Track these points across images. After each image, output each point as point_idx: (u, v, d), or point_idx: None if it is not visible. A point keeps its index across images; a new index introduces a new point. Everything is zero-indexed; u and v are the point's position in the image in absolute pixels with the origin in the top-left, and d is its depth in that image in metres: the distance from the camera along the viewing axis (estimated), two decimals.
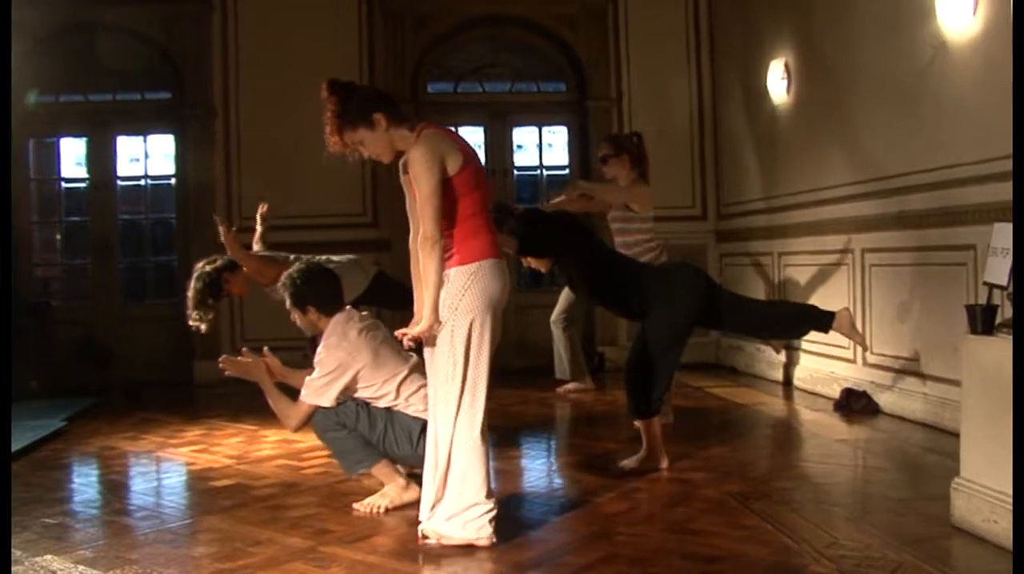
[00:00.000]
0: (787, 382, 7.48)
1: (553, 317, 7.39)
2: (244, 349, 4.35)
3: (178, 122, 8.75)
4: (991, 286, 3.59)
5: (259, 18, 8.66)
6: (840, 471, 4.83)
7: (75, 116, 8.78)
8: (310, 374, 4.22)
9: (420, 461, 3.67)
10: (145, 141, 9.00)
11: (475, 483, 3.49)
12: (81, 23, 8.48)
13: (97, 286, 8.85)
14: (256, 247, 6.23)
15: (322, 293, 4.31)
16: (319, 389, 4.14)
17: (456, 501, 3.50)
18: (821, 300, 6.79)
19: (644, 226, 5.91)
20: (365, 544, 3.65)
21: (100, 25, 8.48)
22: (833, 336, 5.13)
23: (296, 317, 4.38)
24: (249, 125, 8.64)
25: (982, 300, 3.68)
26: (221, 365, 4.28)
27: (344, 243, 7.34)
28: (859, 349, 6.33)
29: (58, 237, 9.11)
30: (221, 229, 5.71)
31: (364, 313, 4.45)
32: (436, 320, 3.45)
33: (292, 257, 5.72)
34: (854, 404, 6.23)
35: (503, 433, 5.59)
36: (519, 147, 9.41)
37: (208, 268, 5.77)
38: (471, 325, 3.46)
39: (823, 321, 4.89)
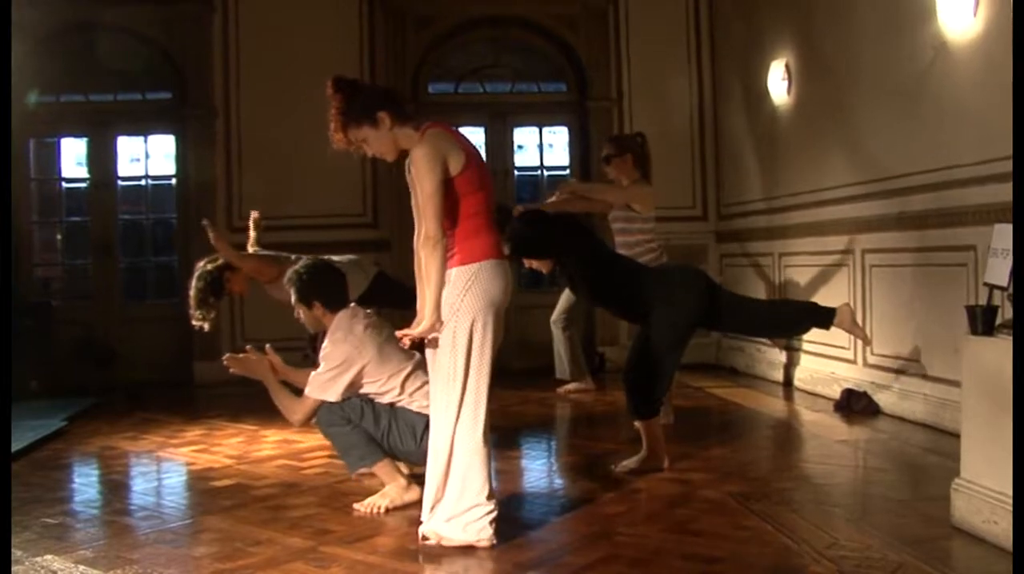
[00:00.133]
0: (787, 383, 7.48)
1: (553, 317, 7.39)
2: (248, 347, 4.35)
3: (179, 122, 8.75)
4: (991, 287, 3.59)
5: (260, 18, 8.66)
6: (840, 472, 4.83)
7: (76, 116, 8.79)
8: (314, 370, 4.22)
9: (424, 458, 3.66)
10: (146, 141, 9.00)
11: (476, 484, 3.48)
12: (82, 23, 8.48)
13: (98, 286, 8.85)
14: (251, 251, 6.23)
15: (328, 289, 4.33)
16: (325, 383, 4.15)
17: (456, 502, 3.50)
18: (821, 301, 6.75)
19: (645, 226, 5.91)
20: (365, 544, 3.65)
21: (101, 25, 8.48)
22: (834, 336, 5.13)
23: (301, 313, 4.39)
24: (250, 125, 8.64)
25: (982, 301, 3.68)
26: (225, 363, 4.28)
27: (344, 243, 7.35)
28: (860, 350, 6.33)
29: (59, 237, 9.11)
30: (211, 234, 5.73)
31: (368, 311, 4.46)
32: (437, 320, 3.45)
33: (294, 257, 5.73)
34: (854, 405, 6.23)
35: (503, 433, 5.59)
36: (520, 147, 9.41)
37: (209, 267, 5.79)
38: (472, 326, 3.45)
39: (824, 318, 4.89)
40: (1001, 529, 3.30)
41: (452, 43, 9.14)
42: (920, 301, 5.77)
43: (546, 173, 9.35)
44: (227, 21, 8.67)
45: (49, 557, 3.52)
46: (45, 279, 9.08)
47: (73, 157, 9.04)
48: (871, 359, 6.29)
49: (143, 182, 9.04)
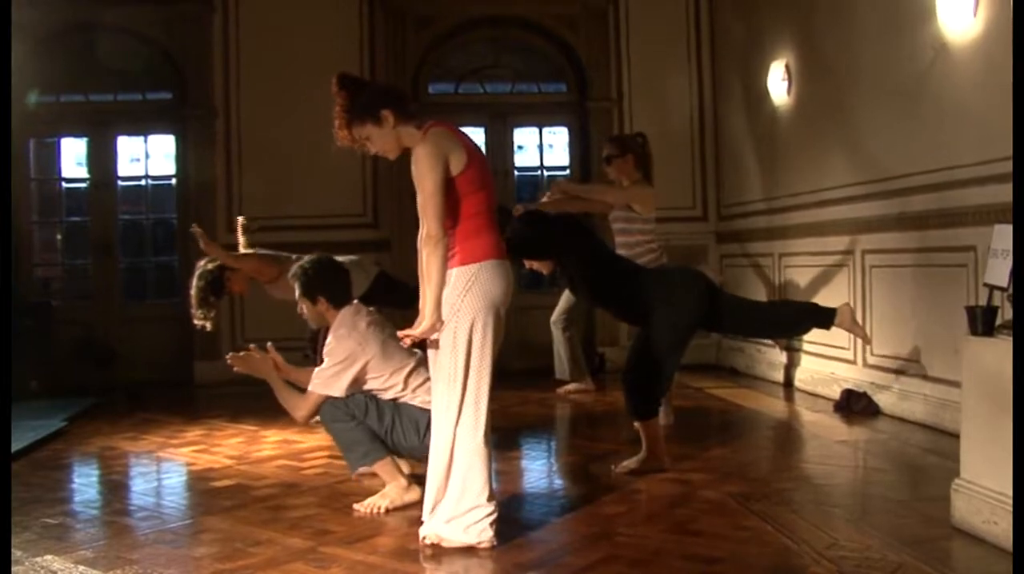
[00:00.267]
0: (788, 383, 7.48)
1: (553, 318, 7.40)
2: (252, 346, 4.35)
3: (179, 122, 8.75)
4: (991, 287, 3.59)
5: (260, 18, 8.66)
6: (840, 472, 4.83)
7: (76, 116, 8.79)
8: (319, 365, 4.24)
9: (427, 453, 3.66)
10: (146, 141, 9.01)
11: (476, 486, 3.48)
12: (82, 23, 8.48)
13: (98, 286, 8.85)
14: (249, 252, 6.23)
15: (333, 285, 4.36)
16: (329, 378, 4.16)
17: (457, 503, 3.50)
18: (822, 301, 6.75)
19: (646, 227, 5.90)
20: (365, 544, 3.65)
21: (101, 25, 8.48)
22: (834, 336, 5.14)
23: (304, 308, 4.40)
24: (250, 125, 8.64)
25: (982, 301, 3.69)
26: (230, 363, 4.28)
27: (344, 243, 7.35)
28: (860, 350, 6.33)
29: (59, 237, 9.12)
30: (201, 242, 5.73)
31: (370, 309, 4.47)
32: (438, 319, 3.45)
33: (294, 257, 5.73)
34: (854, 405, 6.23)
35: (503, 434, 5.58)
36: (520, 148, 9.41)
37: (210, 266, 5.80)
38: (472, 327, 3.45)
39: (824, 318, 4.88)
40: (1001, 529, 3.30)
41: (452, 43, 9.14)
42: (920, 302, 5.77)
43: (546, 173, 9.35)
44: (227, 21, 8.67)
45: (49, 557, 3.52)
46: (45, 279, 9.09)
47: (73, 157, 9.05)
48: (871, 359, 6.29)
49: (143, 182, 9.04)
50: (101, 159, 8.87)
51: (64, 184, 9.01)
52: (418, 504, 3.89)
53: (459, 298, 3.45)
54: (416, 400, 4.18)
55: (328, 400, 4.16)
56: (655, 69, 9.05)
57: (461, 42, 9.17)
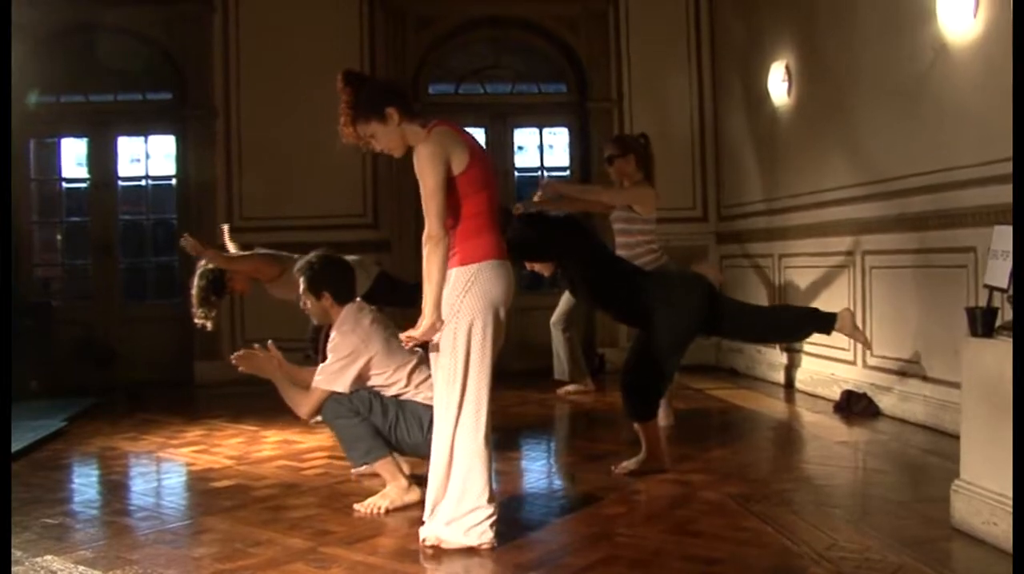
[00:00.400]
0: (788, 384, 7.48)
1: (553, 319, 7.40)
2: (255, 346, 4.35)
3: (179, 122, 8.76)
4: (991, 289, 3.59)
5: (260, 18, 8.66)
6: (840, 473, 4.83)
7: (76, 116, 8.79)
8: (321, 362, 4.25)
9: (430, 450, 3.67)
10: (146, 141, 9.01)
11: (476, 487, 3.47)
12: (82, 23, 8.48)
13: (98, 286, 8.85)
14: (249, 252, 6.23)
15: (339, 281, 4.39)
16: (334, 374, 4.17)
17: (457, 505, 3.49)
18: (822, 302, 6.80)
19: (646, 227, 5.89)
20: (366, 545, 3.65)
21: (101, 25, 8.48)
22: (834, 337, 5.13)
23: (308, 303, 4.41)
24: (250, 125, 8.65)
25: (982, 302, 3.68)
26: (234, 362, 4.28)
27: (344, 244, 7.33)
28: (860, 351, 6.34)
29: (59, 237, 9.12)
30: (193, 253, 5.72)
31: (372, 307, 4.49)
32: (438, 318, 3.45)
33: (296, 256, 5.74)
34: (854, 406, 6.23)
35: (503, 434, 5.58)
36: (520, 148, 9.41)
37: (211, 265, 5.80)
38: (471, 327, 3.44)
39: (825, 323, 4.88)
40: (1001, 530, 3.30)
41: (452, 44, 9.14)
42: (920, 303, 5.77)
43: (546, 174, 9.35)
44: (227, 21, 8.67)
45: (49, 557, 3.52)
46: (45, 279, 9.10)
47: (73, 157, 9.05)
48: (871, 361, 6.29)
49: (143, 182, 9.05)
50: (101, 159, 8.87)
51: (64, 184, 9.02)
52: (418, 505, 3.89)
53: (458, 298, 3.45)
54: (419, 396, 4.20)
55: (332, 396, 4.17)
56: (655, 70, 9.05)
57: (461, 42, 9.18)
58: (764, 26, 7.97)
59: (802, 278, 7.33)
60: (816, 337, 5.20)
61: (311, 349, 6.39)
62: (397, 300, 5.86)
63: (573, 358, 7.46)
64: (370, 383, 4.23)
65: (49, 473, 5.10)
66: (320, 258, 4.44)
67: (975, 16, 5.12)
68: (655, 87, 9.04)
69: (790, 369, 7.50)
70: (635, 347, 4.78)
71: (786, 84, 7.53)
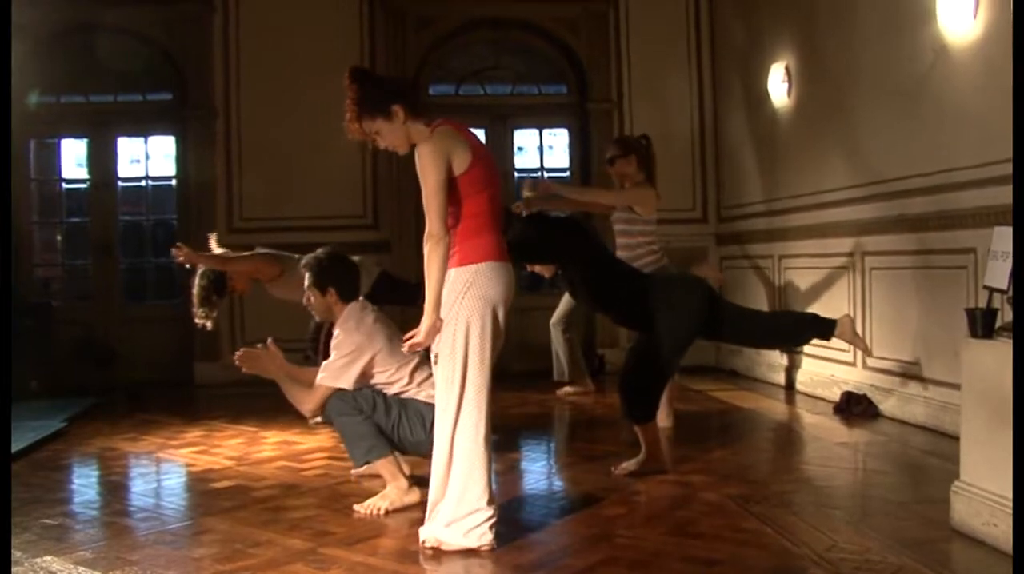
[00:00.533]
0: (788, 385, 7.48)
1: (553, 320, 7.40)
2: (259, 346, 4.35)
3: (179, 123, 8.76)
4: (991, 290, 3.59)
5: (260, 18, 8.66)
6: (840, 474, 4.84)
7: (76, 117, 8.80)
8: (325, 359, 4.26)
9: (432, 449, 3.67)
10: (146, 142, 9.01)
11: (476, 489, 3.47)
12: (82, 24, 8.48)
13: (98, 287, 8.85)
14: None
15: (345, 278, 4.43)
16: (338, 371, 4.18)
17: (456, 507, 3.49)
18: (822, 303, 6.81)
19: (647, 228, 5.89)
20: (365, 546, 3.65)
21: (101, 26, 8.48)
22: (834, 339, 5.13)
23: (312, 298, 4.43)
24: (250, 125, 8.65)
25: (982, 304, 3.68)
26: (237, 362, 4.28)
27: (345, 245, 7.29)
28: (860, 353, 6.33)
29: (59, 238, 9.12)
30: (188, 264, 5.70)
31: (375, 307, 4.50)
32: (437, 318, 3.45)
33: (297, 256, 5.74)
34: (854, 407, 6.23)
35: (503, 435, 5.58)
36: (520, 149, 9.41)
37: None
38: (469, 329, 3.44)
39: (825, 328, 4.88)
40: (1001, 532, 3.30)
41: (453, 44, 9.14)
42: (920, 304, 5.77)
43: (546, 175, 9.35)
44: (227, 22, 8.67)
45: (49, 558, 3.52)
46: (45, 279, 9.10)
47: (73, 158, 9.05)
48: (871, 362, 6.29)
49: (143, 183, 9.06)
50: (101, 160, 8.87)
51: (64, 185, 9.02)
52: (418, 506, 3.89)
53: (457, 299, 3.44)
54: (421, 395, 4.22)
55: (336, 394, 4.18)
56: (655, 71, 9.05)
57: (462, 43, 9.18)
58: (764, 27, 7.97)
59: (802, 279, 7.33)
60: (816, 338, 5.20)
61: (311, 349, 6.39)
62: (398, 299, 5.87)
63: (573, 359, 7.46)
64: (373, 381, 4.25)
65: (49, 473, 5.10)
66: (328, 254, 4.48)
67: (975, 17, 5.12)
68: (655, 88, 9.04)
69: (790, 370, 7.50)
70: (634, 348, 4.78)
71: (786, 85, 7.53)
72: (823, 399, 6.79)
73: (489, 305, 3.47)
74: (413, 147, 3.56)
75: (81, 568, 3.41)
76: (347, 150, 8.45)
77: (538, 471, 5.31)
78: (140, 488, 4.90)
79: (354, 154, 8.61)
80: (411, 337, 3.48)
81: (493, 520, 3.51)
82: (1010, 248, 3.44)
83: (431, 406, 3.99)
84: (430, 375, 4.09)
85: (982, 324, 3.55)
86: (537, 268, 5.10)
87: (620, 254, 5.64)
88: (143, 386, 8.10)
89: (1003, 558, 3.25)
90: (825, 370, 6.90)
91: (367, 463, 4.20)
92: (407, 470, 4.30)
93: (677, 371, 5.34)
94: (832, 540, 3.55)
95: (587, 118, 9.08)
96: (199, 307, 5.71)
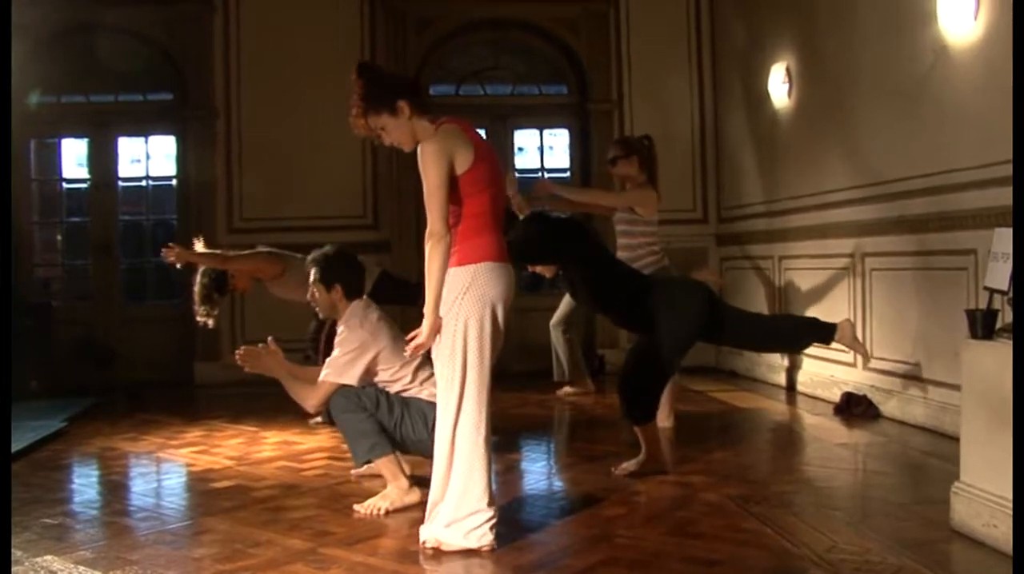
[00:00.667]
0: (788, 386, 7.48)
1: (553, 320, 7.40)
2: (260, 345, 4.35)
3: (179, 123, 8.76)
4: (992, 291, 3.59)
5: (260, 19, 8.66)
6: (840, 475, 4.84)
7: (76, 117, 8.80)
8: (329, 357, 4.28)
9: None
10: (146, 142, 9.01)
11: (476, 490, 3.47)
12: (83, 24, 8.48)
13: (98, 287, 8.85)
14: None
15: (351, 275, 4.47)
16: (342, 367, 4.19)
17: (456, 508, 3.49)
18: (822, 304, 6.82)
19: (648, 229, 5.89)
20: (365, 546, 3.65)
21: (101, 26, 8.48)
22: (833, 343, 5.13)
23: (317, 294, 4.44)
24: (250, 126, 8.65)
25: (983, 305, 3.68)
26: (240, 362, 4.28)
27: (345, 245, 7.30)
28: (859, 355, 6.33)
29: (59, 237, 9.12)
30: (179, 265, 5.69)
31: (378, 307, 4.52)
32: (439, 316, 3.45)
33: (299, 255, 5.75)
34: (854, 408, 6.23)
35: (503, 435, 5.58)
36: (520, 150, 9.42)
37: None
38: (468, 329, 3.44)
39: (825, 333, 4.87)
40: (1001, 533, 3.30)
41: (453, 45, 9.14)
42: (920, 305, 5.77)
43: (546, 175, 9.35)
44: (228, 22, 8.67)
45: (49, 558, 3.52)
46: (45, 279, 9.10)
47: (74, 158, 9.05)
48: (871, 363, 6.28)
49: (144, 183, 9.06)
50: (102, 160, 8.87)
51: (65, 184, 9.02)
52: (419, 506, 3.89)
53: (456, 300, 3.44)
54: (424, 393, 4.23)
55: (340, 390, 4.19)
56: (656, 71, 9.05)
57: (462, 44, 9.18)
58: (764, 27, 7.97)
59: (802, 280, 7.34)
60: None
61: (311, 349, 6.40)
62: (399, 299, 5.87)
63: (573, 360, 7.46)
64: (376, 379, 4.27)
65: (49, 473, 5.10)
66: (336, 251, 4.52)
67: (976, 18, 5.12)
68: (655, 88, 9.04)
69: (790, 371, 7.50)
70: (634, 349, 4.78)
71: (786, 85, 7.53)
72: (823, 400, 6.79)
73: (488, 305, 3.46)
74: (417, 144, 3.57)
75: (81, 567, 3.42)
76: (347, 150, 8.48)
77: (538, 471, 5.32)
78: (140, 488, 4.90)
79: (355, 154, 8.61)
80: (413, 337, 3.49)
81: (493, 521, 3.51)
82: (1010, 249, 3.44)
83: (433, 405, 3.99)
84: (432, 374, 4.09)
85: (982, 325, 3.55)
86: (538, 268, 5.09)
87: (621, 254, 5.65)
88: (143, 386, 8.10)
89: (1003, 559, 3.25)
90: (825, 371, 6.90)
91: (368, 461, 4.20)
92: (408, 470, 4.30)
93: (678, 371, 5.33)
94: (832, 541, 3.55)
95: (587, 118, 9.08)
96: (200, 305, 5.72)
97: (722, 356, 8.76)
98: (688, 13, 9.11)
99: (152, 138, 9.00)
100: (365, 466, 4.30)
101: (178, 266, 5.76)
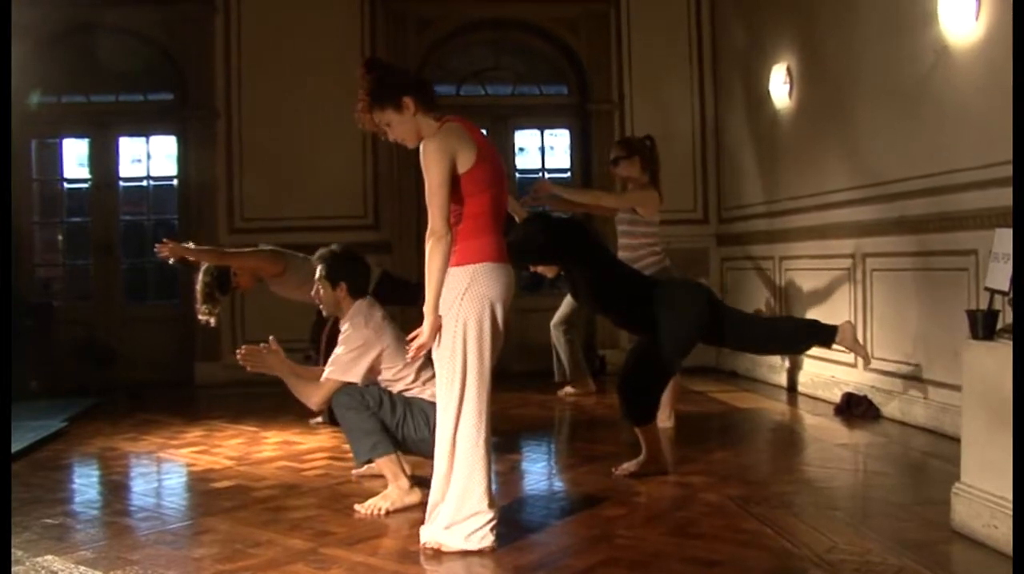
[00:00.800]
0: (788, 387, 7.48)
1: (554, 321, 7.40)
2: (262, 345, 4.35)
3: (180, 123, 8.76)
4: (992, 291, 3.59)
5: (261, 19, 8.67)
6: (841, 476, 4.83)
7: (77, 117, 8.80)
8: (331, 357, 4.29)
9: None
10: (147, 142, 9.02)
11: (477, 492, 3.47)
12: (83, 24, 8.48)
13: (98, 287, 8.85)
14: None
15: (357, 274, 4.49)
16: (346, 364, 4.21)
17: (457, 509, 3.48)
18: (822, 305, 6.82)
19: (649, 230, 5.89)
20: (366, 546, 3.65)
21: (102, 26, 8.49)
22: (834, 345, 5.13)
23: (321, 291, 4.45)
24: (251, 126, 8.65)
25: (983, 305, 3.68)
26: (241, 361, 4.27)
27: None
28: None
29: (60, 237, 9.13)
30: (172, 260, 5.67)
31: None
32: (439, 316, 3.45)
33: (301, 255, 5.75)
34: (855, 409, 6.23)
35: (503, 436, 5.58)
36: (520, 150, 9.42)
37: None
38: (467, 329, 3.43)
39: (825, 335, 4.86)
40: (1001, 533, 3.30)
41: (453, 45, 9.14)
42: (921, 305, 5.77)
43: (547, 176, 9.35)
44: (228, 22, 8.68)
45: (49, 557, 3.52)
46: (46, 279, 9.11)
47: (75, 158, 9.06)
48: (872, 363, 6.28)
49: (144, 183, 9.06)
50: (102, 160, 8.88)
51: (65, 184, 9.02)
52: (419, 506, 3.89)
53: (456, 300, 3.44)
54: (426, 393, 4.23)
55: (344, 388, 4.19)
56: (656, 71, 9.05)
57: (462, 44, 9.18)
58: (765, 28, 7.97)
59: (803, 280, 7.34)
60: None
61: (312, 349, 6.39)
62: (399, 300, 5.87)
63: (574, 360, 7.46)
64: (379, 378, 4.28)
65: (49, 473, 5.10)
66: (343, 249, 4.56)
67: (976, 19, 5.12)
68: (656, 89, 9.04)
69: (791, 372, 7.49)
70: (634, 350, 4.78)
71: (787, 86, 7.53)
72: (824, 400, 6.79)
73: (488, 306, 3.46)
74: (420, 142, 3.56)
75: (82, 567, 3.42)
76: (348, 150, 8.49)
77: (539, 472, 5.32)
78: (140, 488, 4.90)
79: (355, 154, 8.62)
80: (414, 337, 3.48)
81: (494, 522, 3.51)
82: (1011, 250, 3.44)
83: (434, 405, 4.00)
84: (434, 374, 4.10)
85: (983, 326, 3.55)
86: (540, 269, 5.10)
87: (622, 255, 5.65)
88: (143, 386, 8.10)
89: (1003, 560, 3.25)
90: (826, 371, 6.90)
91: (370, 460, 4.21)
92: (408, 470, 4.30)
93: (678, 372, 5.33)
94: (832, 541, 3.55)
95: (588, 119, 9.08)
96: (202, 303, 5.71)
97: (722, 356, 8.76)
98: (688, 13, 9.11)
99: (153, 138, 9.01)
100: (365, 466, 4.31)
101: (171, 262, 5.72)
